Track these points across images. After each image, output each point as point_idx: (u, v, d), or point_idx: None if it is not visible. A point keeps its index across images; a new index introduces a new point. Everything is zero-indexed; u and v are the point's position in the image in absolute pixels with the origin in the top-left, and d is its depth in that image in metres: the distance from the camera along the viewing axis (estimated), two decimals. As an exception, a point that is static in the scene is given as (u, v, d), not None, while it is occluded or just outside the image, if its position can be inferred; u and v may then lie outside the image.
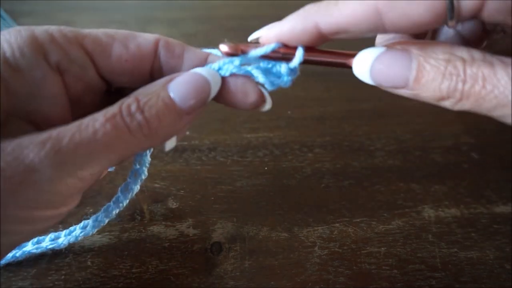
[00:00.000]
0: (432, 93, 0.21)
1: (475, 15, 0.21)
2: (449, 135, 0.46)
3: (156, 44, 0.27)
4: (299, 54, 0.25)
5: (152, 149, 0.31)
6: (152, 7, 0.73)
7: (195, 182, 0.41)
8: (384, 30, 0.22)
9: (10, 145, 0.20)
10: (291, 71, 0.26)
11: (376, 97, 0.51)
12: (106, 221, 0.33)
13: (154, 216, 0.38)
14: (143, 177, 0.31)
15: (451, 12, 0.20)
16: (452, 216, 0.38)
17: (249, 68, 0.26)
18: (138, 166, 0.31)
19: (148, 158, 0.31)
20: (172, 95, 0.24)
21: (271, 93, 0.28)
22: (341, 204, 0.39)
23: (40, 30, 0.23)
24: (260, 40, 0.26)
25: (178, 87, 0.24)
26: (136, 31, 0.27)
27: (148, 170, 0.31)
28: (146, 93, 0.23)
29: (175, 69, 0.27)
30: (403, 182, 0.41)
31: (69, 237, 0.33)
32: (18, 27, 0.23)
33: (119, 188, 0.32)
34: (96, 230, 0.33)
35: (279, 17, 0.26)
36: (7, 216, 0.20)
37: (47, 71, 0.23)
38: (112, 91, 0.28)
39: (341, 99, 0.52)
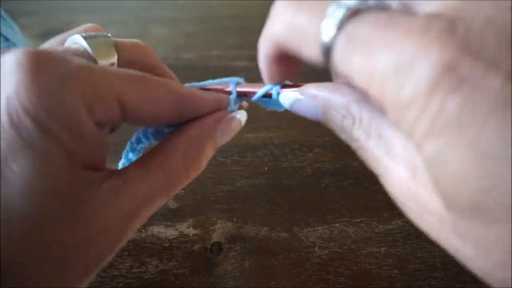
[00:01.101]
0: (339, 134, 0.24)
1: None
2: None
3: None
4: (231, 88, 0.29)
5: None
6: (152, 7, 0.73)
7: (195, 182, 0.40)
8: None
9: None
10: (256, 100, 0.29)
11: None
12: None
13: (154, 216, 0.37)
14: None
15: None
16: (452, 216, 0.38)
17: None
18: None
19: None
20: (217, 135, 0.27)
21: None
22: (341, 204, 0.39)
23: (81, 75, 0.20)
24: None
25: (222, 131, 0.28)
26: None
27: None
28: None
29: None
30: (403, 182, 0.41)
31: None
32: (45, 59, 0.19)
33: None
34: None
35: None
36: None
37: (95, 129, 0.21)
38: None
39: (341, 99, 0.52)
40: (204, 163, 0.27)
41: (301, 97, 0.26)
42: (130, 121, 0.24)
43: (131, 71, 0.23)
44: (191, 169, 0.26)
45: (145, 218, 0.23)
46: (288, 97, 0.27)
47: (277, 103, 0.28)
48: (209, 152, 0.27)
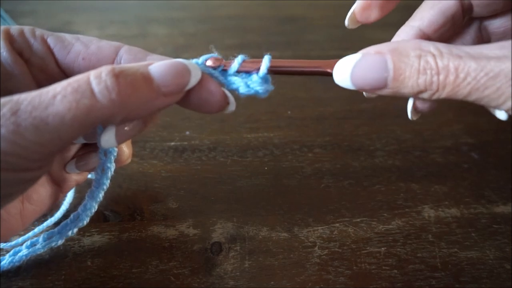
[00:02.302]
0: (411, 89, 0.23)
1: None
2: (449, 135, 0.46)
3: (118, 48, 0.28)
4: (265, 62, 0.27)
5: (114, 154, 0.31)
6: (152, 7, 0.73)
7: (195, 182, 0.41)
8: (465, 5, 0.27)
9: None
10: (262, 79, 0.27)
11: (376, 97, 0.51)
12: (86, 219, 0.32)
13: (154, 216, 0.38)
14: (110, 172, 0.31)
15: None
16: (452, 216, 0.38)
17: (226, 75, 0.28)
18: (103, 158, 0.30)
19: (114, 155, 0.31)
20: (151, 72, 0.24)
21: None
22: (341, 204, 0.39)
23: (16, 27, 0.27)
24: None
25: (159, 67, 0.24)
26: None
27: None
28: (124, 66, 0.24)
29: None
30: (403, 182, 0.41)
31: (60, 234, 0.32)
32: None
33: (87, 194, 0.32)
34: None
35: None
36: None
37: (15, 57, 0.26)
38: None
39: (341, 99, 0.52)
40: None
41: (364, 57, 0.24)
42: (66, 70, 0.28)
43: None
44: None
45: None
46: (348, 63, 0.24)
47: (252, 84, 0.27)
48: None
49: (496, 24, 0.30)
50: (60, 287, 0.32)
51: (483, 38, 0.32)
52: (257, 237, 0.36)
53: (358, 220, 0.37)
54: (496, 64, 0.21)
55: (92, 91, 0.22)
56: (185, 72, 0.25)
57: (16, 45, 0.27)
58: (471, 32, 0.32)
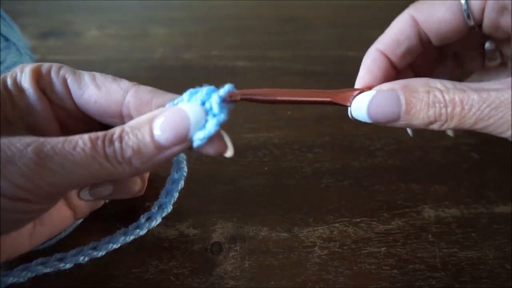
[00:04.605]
0: (421, 121, 0.25)
1: (482, 16, 0.27)
2: (449, 135, 0.46)
3: (126, 91, 0.29)
4: (225, 89, 0.27)
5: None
6: (152, 7, 0.73)
7: (195, 182, 0.41)
8: (421, 35, 0.30)
9: (3, 140, 0.23)
10: (220, 104, 0.26)
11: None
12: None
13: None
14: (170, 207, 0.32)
15: (467, 10, 0.27)
16: (452, 216, 0.38)
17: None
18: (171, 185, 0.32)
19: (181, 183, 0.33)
20: (154, 129, 0.25)
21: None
22: (341, 204, 0.39)
23: (46, 64, 0.30)
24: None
25: (160, 122, 0.25)
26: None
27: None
28: (133, 125, 0.25)
29: (143, 114, 0.28)
30: (403, 182, 0.41)
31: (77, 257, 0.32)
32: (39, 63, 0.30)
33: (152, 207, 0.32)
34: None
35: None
36: None
37: (40, 94, 0.29)
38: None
39: (341, 99, 0.52)
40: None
41: (379, 93, 0.26)
42: (84, 111, 0.30)
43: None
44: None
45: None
46: (364, 99, 0.27)
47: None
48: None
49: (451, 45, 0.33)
50: (60, 286, 0.32)
51: (458, 65, 0.35)
52: (257, 237, 0.36)
53: (358, 220, 0.37)
54: (497, 96, 0.24)
55: (105, 152, 0.24)
56: (184, 120, 0.25)
57: (42, 84, 0.29)
58: (449, 62, 0.35)
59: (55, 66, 0.30)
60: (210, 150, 0.27)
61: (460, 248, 0.35)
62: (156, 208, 0.31)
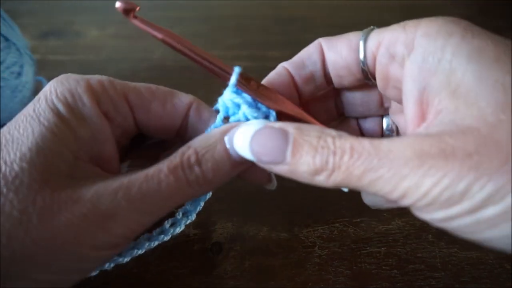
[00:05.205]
0: (307, 167, 0.22)
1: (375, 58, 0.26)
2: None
3: (189, 106, 0.28)
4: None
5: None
6: (152, 7, 0.73)
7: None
8: (326, 66, 0.29)
9: (89, 193, 0.22)
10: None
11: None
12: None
13: (154, 216, 0.37)
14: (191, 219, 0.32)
15: (364, 48, 0.26)
16: (452, 216, 0.38)
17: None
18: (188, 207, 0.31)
19: (201, 204, 0.32)
20: (228, 146, 0.25)
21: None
22: (341, 204, 0.39)
23: (94, 80, 0.26)
24: None
25: (234, 139, 0.25)
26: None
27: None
28: (204, 145, 0.25)
29: (199, 131, 0.28)
30: (403, 182, 0.41)
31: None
32: (70, 75, 0.27)
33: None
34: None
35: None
36: (82, 256, 0.23)
37: (101, 117, 0.26)
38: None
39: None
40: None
41: (267, 127, 0.24)
42: (142, 127, 0.29)
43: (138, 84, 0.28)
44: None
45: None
46: (251, 128, 0.24)
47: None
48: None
49: (352, 97, 0.32)
50: (60, 287, 0.32)
51: (338, 108, 0.33)
52: (257, 237, 0.36)
53: (358, 220, 0.37)
54: (389, 145, 0.20)
55: (187, 180, 0.24)
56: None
57: (103, 106, 0.26)
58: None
59: (106, 81, 0.27)
60: (255, 178, 0.28)
61: (460, 248, 0.35)
62: (181, 215, 0.31)
